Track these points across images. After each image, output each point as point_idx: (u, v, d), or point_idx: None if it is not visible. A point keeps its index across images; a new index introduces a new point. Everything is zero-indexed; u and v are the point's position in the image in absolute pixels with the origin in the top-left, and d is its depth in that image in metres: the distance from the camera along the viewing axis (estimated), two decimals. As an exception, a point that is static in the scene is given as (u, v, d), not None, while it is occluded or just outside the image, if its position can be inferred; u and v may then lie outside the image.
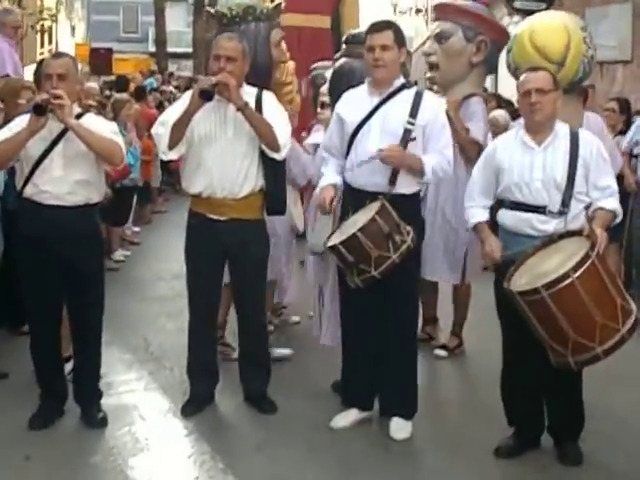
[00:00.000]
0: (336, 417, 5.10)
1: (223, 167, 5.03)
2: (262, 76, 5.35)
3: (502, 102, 10.06)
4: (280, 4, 5.98)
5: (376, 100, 4.87)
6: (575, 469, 4.61)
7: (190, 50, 29.07)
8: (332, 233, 4.83)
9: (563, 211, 4.40)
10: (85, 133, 4.65)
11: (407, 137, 4.76)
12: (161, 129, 5.09)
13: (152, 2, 29.72)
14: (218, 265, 5.23)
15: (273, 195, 5.24)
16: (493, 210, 4.63)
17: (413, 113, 4.79)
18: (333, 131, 5.08)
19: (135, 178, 9.88)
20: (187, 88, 11.94)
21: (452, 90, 6.23)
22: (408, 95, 4.86)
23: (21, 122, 4.70)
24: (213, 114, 5.04)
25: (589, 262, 4.03)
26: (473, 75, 6.39)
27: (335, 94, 5.40)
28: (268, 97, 5.20)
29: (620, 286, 4.23)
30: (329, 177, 5.02)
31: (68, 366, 5.24)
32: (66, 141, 4.72)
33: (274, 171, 5.18)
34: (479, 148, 5.93)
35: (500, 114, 7.78)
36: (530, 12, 13.06)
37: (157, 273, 9.16)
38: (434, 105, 4.92)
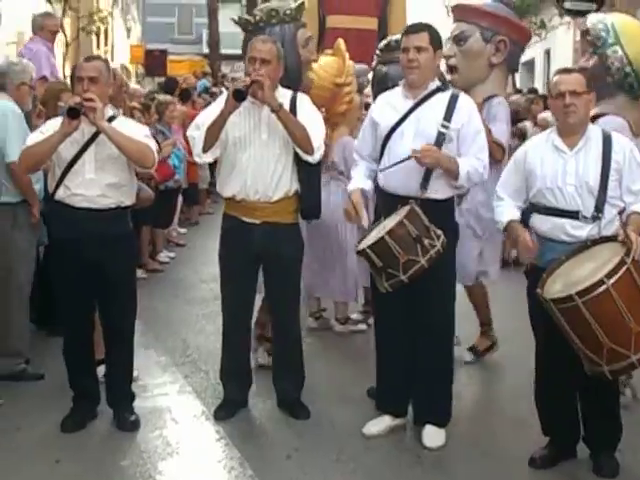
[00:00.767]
0: (369, 423, 5.04)
1: (257, 170, 5.01)
2: (292, 78, 5.30)
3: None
4: (303, 3, 5.88)
5: (410, 103, 4.80)
6: (610, 481, 4.50)
7: (244, 51, 29.15)
8: (363, 237, 4.78)
9: (597, 216, 4.30)
10: (116, 136, 4.66)
11: (441, 140, 4.68)
12: (196, 132, 5.08)
13: (206, 3, 29.93)
14: (252, 269, 5.19)
15: (308, 199, 5.20)
16: (525, 215, 4.53)
17: (447, 116, 4.71)
18: (366, 134, 5.02)
19: (180, 179, 9.92)
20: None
21: (473, 92, 6.10)
22: (443, 98, 4.79)
23: (53, 125, 4.72)
24: (248, 117, 5.02)
25: (624, 268, 3.94)
26: (494, 76, 6.28)
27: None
28: (303, 99, 5.17)
29: None
30: (358, 181, 4.97)
31: (102, 369, 5.25)
32: (98, 144, 4.73)
33: (308, 174, 5.15)
34: (502, 150, 5.85)
35: (549, 115, 7.65)
36: (580, 12, 12.89)
37: (200, 275, 9.18)
38: (469, 108, 4.83)
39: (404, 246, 4.47)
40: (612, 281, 3.91)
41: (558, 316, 4.09)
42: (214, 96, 16.66)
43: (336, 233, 6.81)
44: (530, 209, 4.52)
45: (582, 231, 4.32)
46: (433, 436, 4.90)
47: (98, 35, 27.16)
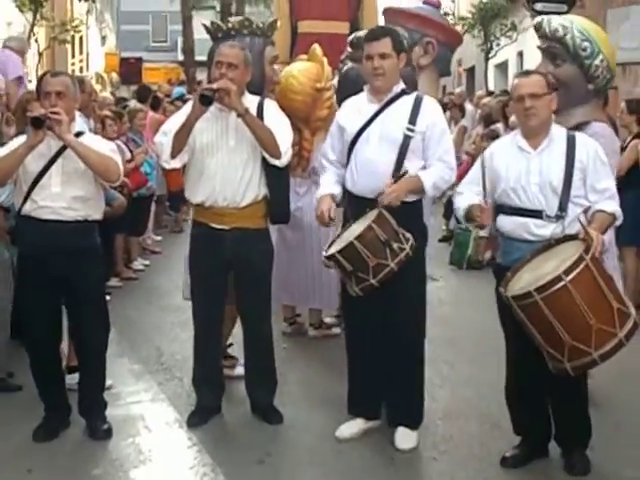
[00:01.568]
0: (342, 427, 5.04)
1: (225, 176, 5.01)
2: (254, 91, 5.26)
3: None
4: (276, 21, 5.93)
5: (375, 107, 4.82)
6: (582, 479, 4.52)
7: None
8: (332, 241, 4.79)
9: (560, 215, 4.33)
10: (82, 149, 4.69)
11: (407, 143, 4.71)
12: (163, 138, 5.08)
13: (180, 11, 29.89)
14: (222, 275, 5.18)
15: (276, 203, 5.20)
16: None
17: (412, 119, 4.74)
18: (333, 139, 5.03)
19: (152, 186, 9.89)
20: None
21: None
22: (408, 101, 4.81)
23: (19, 141, 4.76)
24: (215, 123, 5.03)
25: (582, 265, 3.95)
26: (423, 77, 6.32)
27: (343, 100, 5.35)
28: (269, 104, 5.19)
29: (618, 289, 4.15)
30: (327, 187, 4.98)
31: (75, 376, 5.23)
32: (65, 158, 4.75)
33: (277, 179, 5.15)
34: None
35: None
36: (551, 14, 12.96)
37: (175, 282, 9.08)
38: (433, 110, 4.86)
39: (373, 250, 4.49)
40: (570, 277, 3.92)
41: (519, 313, 4.11)
42: (187, 102, 16.62)
43: (319, 238, 6.75)
44: (496, 210, 4.55)
45: (546, 230, 4.35)
46: (405, 438, 4.91)
47: (73, 44, 27.16)
